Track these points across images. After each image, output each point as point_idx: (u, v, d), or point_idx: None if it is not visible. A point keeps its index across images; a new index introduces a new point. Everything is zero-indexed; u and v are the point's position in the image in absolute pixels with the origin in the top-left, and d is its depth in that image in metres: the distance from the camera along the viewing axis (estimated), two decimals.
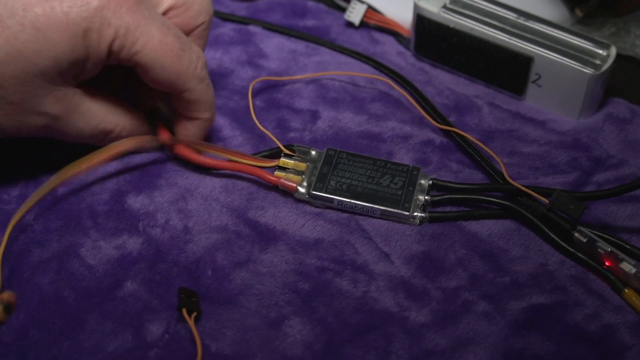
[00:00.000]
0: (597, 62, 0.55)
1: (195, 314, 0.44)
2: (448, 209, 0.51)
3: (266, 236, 0.49)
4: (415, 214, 0.50)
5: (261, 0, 0.66)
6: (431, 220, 0.50)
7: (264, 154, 0.53)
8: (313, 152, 0.53)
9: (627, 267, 0.45)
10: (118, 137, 0.50)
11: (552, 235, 0.48)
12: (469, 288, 0.47)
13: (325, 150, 0.53)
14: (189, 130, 0.52)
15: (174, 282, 0.47)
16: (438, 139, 0.55)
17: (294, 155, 0.53)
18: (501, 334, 0.45)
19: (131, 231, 0.49)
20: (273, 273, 0.47)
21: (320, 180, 0.51)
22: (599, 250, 0.47)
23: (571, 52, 0.55)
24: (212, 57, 0.61)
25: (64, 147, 0.51)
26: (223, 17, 0.64)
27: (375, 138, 0.55)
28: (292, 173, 0.52)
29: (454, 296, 0.47)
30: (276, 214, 0.50)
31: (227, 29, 0.63)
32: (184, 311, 0.44)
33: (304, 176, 0.52)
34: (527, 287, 0.47)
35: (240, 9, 0.65)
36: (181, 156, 0.52)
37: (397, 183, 0.51)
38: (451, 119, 0.56)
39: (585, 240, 0.47)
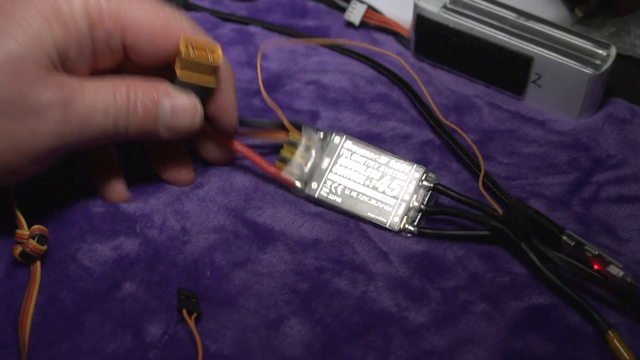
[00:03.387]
0: (597, 62, 0.54)
1: (195, 314, 0.44)
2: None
3: (264, 236, 0.49)
4: (407, 226, 0.49)
5: (261, 0, 0.66)
6: (419, 235, 0.50)
7: (270, 123, 0.53)
8: (320, 134, 0.52)
9: (615, 270, 0.45)
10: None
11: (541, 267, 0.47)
12: (468, 288, 0.47)
13: (332, 134, 0.52)
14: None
15: (173, 283, 0.47)
16: (438, 138, 0.55)
17: (299, 138, 0.52)
18: (500, 334, 0.45)
19: (128, 233, 0.49)
20: (272, 273, 0.47)
21: (317, 178, 0.51)
22: (587, 253, 0.46)
23: (571, 52, 0.55)
24: None
25: None
26: (223, 17, 0.64)
27: (375, 138, 0.55)
28: (294, 165, 0.51)
29: (453, 296, 0.47)
30: (274, 214, 0.50)
31: (227, 29, 0.63)
32: (184, 312, 0.44)
33: (304, 168, 0.51)
34: (526, 287, 0.47)
35: (240, 9, 0.65)
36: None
37: (394, 189, 0.50)
38: (451, 119, 0.56)
39: (573, 244, 0.47)
